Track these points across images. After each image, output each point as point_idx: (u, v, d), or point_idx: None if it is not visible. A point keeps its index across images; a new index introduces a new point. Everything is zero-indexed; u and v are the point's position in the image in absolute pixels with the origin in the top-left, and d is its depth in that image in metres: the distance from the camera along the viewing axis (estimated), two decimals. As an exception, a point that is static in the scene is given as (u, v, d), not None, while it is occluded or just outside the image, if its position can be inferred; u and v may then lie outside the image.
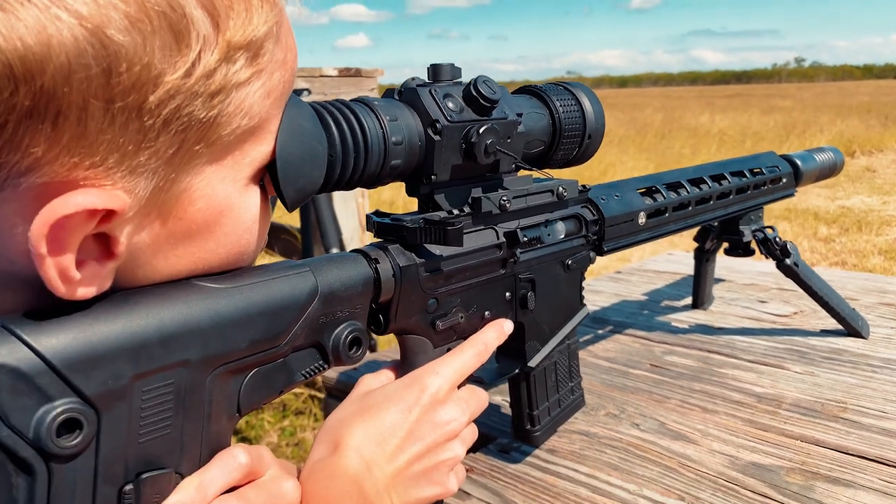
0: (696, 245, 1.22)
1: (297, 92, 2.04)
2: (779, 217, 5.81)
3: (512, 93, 0.73)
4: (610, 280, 1.56)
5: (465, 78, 0.64)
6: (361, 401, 0.60)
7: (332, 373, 1.09)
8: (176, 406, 0.44)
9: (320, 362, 0.55)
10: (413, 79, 0.63)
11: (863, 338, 1.14)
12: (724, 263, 1.62)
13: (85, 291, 0.39)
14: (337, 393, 1.07)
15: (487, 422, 0.90)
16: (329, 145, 0.52)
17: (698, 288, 1.29)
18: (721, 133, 11.13)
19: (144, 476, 0.43)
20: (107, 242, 0.40)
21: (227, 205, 0.45)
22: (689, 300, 1.35)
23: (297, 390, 2.67)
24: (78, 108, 0.34)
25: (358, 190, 2.67)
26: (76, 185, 0.36)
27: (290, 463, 0.67)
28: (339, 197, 2.52)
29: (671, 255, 1.74)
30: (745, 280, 1.50)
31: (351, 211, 2.60)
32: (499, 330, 0.68)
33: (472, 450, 0.84)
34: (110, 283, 0.41)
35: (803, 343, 1.13)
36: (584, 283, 0.81)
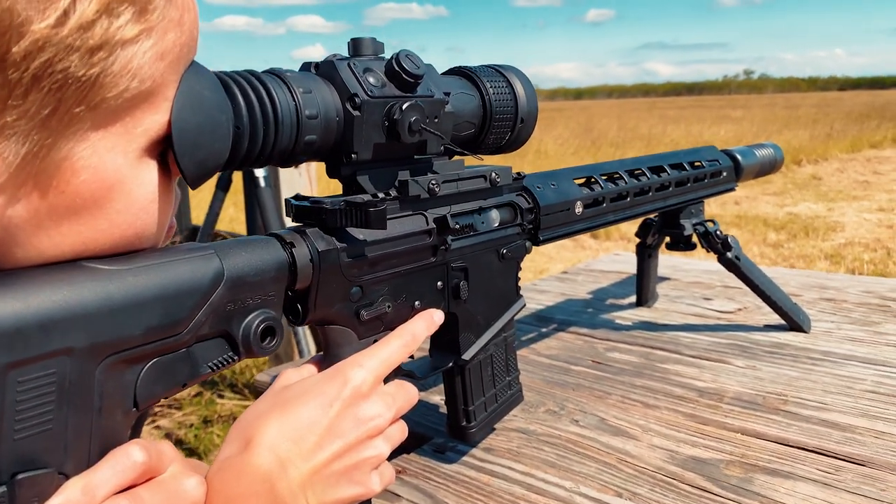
0: (638, 241, 1.21)
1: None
2: (730, 224, 5.92)
3: (442, 73, 0.70)
4: (556, 280, 1.54)
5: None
6: (278, 395, 0.56)
7: (265, 376, 1.05)
8: (59, 399, 0.40)
9: (229, 353, 0.51)
10: (334, 54, 0.60)
11: (804, 332, 1.14)
12: (669, 262, 1.62)
13: None
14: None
15: (423, 422, 0.87)
16: (235, 116, 0.49)
17: (642, 285, 1.27)
18: (674, 143, 11.34)
19: (20, 477, 0.39)
20: None
21: (116, 178, 0.41)
22: (634, 298, 1.34)
23: (247, 403, 2.60)
24: None
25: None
26: None
27: (200, 462, 0.63)
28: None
29: (617, 256, 1.73)
30: (690, 278, 1.50)
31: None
32: (428, 320, 0.65)
33: (406, 450, 0.81)
34: None
35: (746, 338, 1.12)
36: (520, 275, 0.78)
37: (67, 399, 0.40)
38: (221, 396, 2.65)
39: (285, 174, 2.46)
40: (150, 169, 0.43)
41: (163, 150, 0.44)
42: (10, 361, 0.37)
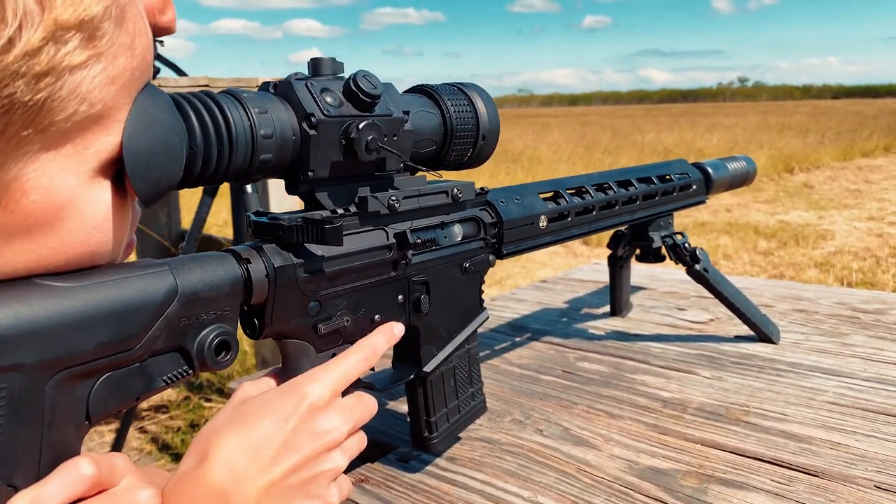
0: (609, 252, 1.22)
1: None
2: (720, 231, 5.95)
3: (404, 91, 0.72)
4: (534, 289, 1.56)
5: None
6: (236, 410, 0.57)
7: (238, 385, 1.06)
8: (8, 413, 0.41)
9: (184, 367, 0.52)
10: (295, 74, 0.62)
11: (773, 343, 1.16)
12: (647, 272, 1.63)
13: None
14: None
15: (390, 431, 0.88)
16: (189, 137, 0.50)
17: (615, 295, 1.29)
18: (666, 150, 11.38)
19: None
20: None
21: (68, 199, 0.42)
22: (609, 308, 1.35)
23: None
24: None
25: (297, 201, 2.62)
26: None
27: (161, 472, 0.64)
28: (276, 209, 2.47)
29: (596, 265, 1.75)
30: (665, 288, 1.52)
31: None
32: (388, 333, 0.66)
33: (371, 459, 0.82)
34: None
35: (715, 349, 1.14)
36: (483, 287, 0.80)
37: (17, 413, 0.42)
38: (209, 401, 2.66)
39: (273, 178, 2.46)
40: (104, 188, 0.44)
41: (117, 170, 0.45)
42: None
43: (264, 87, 0.59)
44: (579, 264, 4.74)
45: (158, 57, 1.79)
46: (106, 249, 0.46)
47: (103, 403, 0.47)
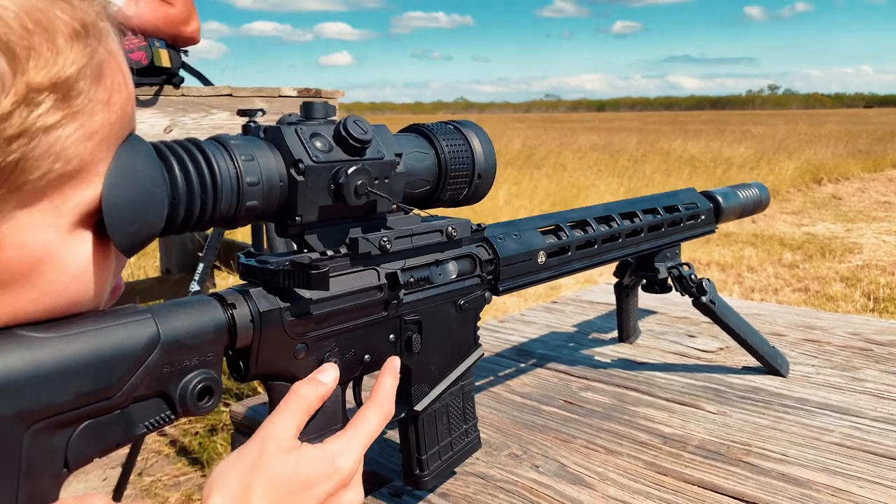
0: (616, 280, 1.21)
1: (252, 112, 1.96)
2: (745, 243, 5.87)
3: (399, 131, 0.72)
4: (544, 310, 1.55)
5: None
6: (270, 466, 0.56)
7: (241, 407, 1.06)
8: None
9: (167, 413, 0.52)
10: (289, 115, 0.62)
11: (782, 376, 1.14)
12: (659, 295, 1.61)
13: None
14: (244, 429, 1.04)
15: (387, 462, 0.88)
16: (172, 187, 0.50)
17: (622, 322, 1.28)
18: (693, 159, 11.26)
19: None
20: None
21: (46, 252, 0.42)
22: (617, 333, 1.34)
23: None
24: None
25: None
26: None
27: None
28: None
29: (609, 286, 1.73)
30: (678, 313, 1.50)
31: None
32: (393, 371, 0.67)
33: (367, 490, 0.82)
34: None
35: (722, 381, 1.12)
36: (479, 323, 0.79)
37: None
38: (227, 405, 2.68)
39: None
40: (83, 240, 0.45)
41: (99, 219, 0.45)
42: None
43: (254, 132, 0.60)
44: (607, 273, 4.70)
45: (184, 66, 1.81)
46: (87, 298, 0.47)
47: (82, 451, 0.47)
